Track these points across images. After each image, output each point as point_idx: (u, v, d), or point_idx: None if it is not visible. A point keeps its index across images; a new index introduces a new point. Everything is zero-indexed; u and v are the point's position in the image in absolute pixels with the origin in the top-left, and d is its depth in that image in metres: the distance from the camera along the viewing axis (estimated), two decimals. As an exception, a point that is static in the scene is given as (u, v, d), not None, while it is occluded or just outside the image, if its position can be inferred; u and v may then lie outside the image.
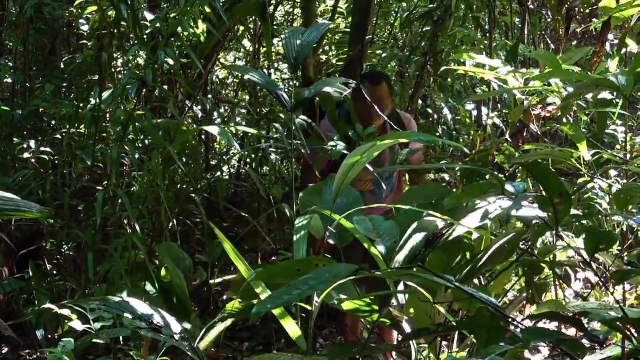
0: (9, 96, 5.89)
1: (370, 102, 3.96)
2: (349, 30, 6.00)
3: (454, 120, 7.39)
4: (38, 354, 3.80)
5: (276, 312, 2.51)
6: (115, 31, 4.06)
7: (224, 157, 7.73)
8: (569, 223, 2.95)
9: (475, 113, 5.74)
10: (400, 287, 2.46)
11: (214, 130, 3.35)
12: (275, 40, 7.10)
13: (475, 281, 2.80)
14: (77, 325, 2.57)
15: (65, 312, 2.61)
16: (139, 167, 3.83)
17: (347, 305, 2.32)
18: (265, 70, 7.08)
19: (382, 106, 4.02)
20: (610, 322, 1.77)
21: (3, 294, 4.46)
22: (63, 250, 4.27)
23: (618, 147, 4.31)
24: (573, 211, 2.88)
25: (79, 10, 5.18)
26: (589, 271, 4.83)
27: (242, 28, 6.45)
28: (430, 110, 7.11)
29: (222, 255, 4.34)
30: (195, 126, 5.47)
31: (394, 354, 3.45)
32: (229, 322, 2.53)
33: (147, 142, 4.11)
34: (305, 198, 2.99)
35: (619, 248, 3.96)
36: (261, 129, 6.14)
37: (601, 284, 4.25)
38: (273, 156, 6.92)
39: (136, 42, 3.92)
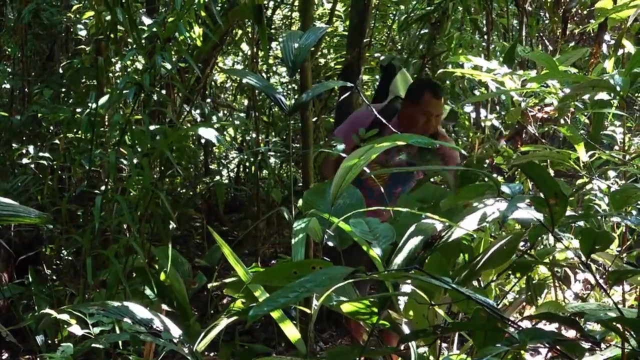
0: (8, 102, 5.88)
1: (429, 113, 3.78)
2: (346, 33, 6.01)
3: (453, 122, 7.38)
4: (38, 359, 3.79)
5: (275, 315, 2.51)
6: (112, 35, 4.06)
7: (223, 161, 7.73)
8: (567, 224, 2.94)
9: (473, 115, 5.74)
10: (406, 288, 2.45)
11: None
12: (273, 44, 7.12)
13: (475, 283, 2.80)
14: (76, 330, 2.56)
15: (65, 317, 2.61)
16: (136, 171, 3.82)
17: (346, 308, 2.31)
18: (263, 74, 7.10)
19: (437, 120, 3.86)
20: (606, 323, 1.77)
21: (3, 300, 4.46)
22: (62, 256, 4.27)
23: (617, 147, 4.31)
24: (572, 212, 2.88)
25: (77, 16, 5.19)
26: (588, 272, 4.83)
27: (240, 32, 6.46)
28: (428, 113, 7.10)
29: (221, 259, 4.33)
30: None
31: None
32: (228, 320, 2.53)
33: (147, 145, 4.11)
34: (307, 198, 2.97)
35: (619, 249, 3.96)
36: (260, 133, 6.15)
37: (600, 284, 4.25)
38: (272, 160, 6.93)
39: (134, 46, 3.92)
